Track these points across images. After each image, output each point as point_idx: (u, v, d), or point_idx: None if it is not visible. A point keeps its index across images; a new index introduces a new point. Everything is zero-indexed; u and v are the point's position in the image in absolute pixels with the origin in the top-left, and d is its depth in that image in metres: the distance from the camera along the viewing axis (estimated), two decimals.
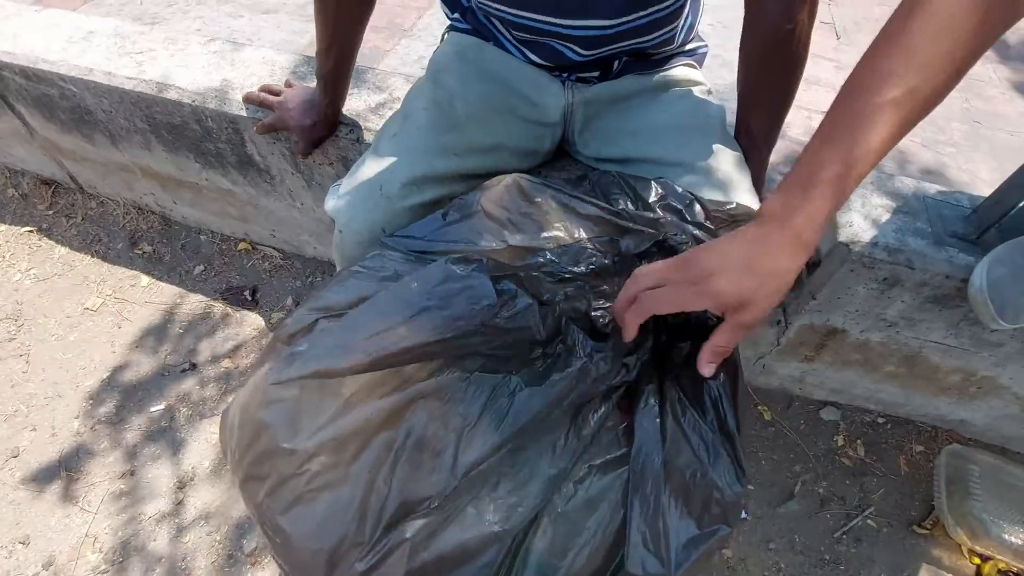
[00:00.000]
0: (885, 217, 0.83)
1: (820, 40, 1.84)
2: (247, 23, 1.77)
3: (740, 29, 0.63)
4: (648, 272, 0.44)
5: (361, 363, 0.44)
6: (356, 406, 0.45)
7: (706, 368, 0.44)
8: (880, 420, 1.14)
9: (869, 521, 1.02)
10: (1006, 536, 0.93)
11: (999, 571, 0.96)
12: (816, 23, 1.77)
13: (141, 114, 1.05)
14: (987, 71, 1.75)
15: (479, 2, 0.67)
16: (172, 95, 0.98)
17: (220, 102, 0.96)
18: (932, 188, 0.90)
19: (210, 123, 1.00)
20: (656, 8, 0.62)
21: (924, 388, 1.03)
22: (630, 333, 0.45)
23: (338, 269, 0.74)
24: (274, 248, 1.34)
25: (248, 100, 0.94)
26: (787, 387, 1.16)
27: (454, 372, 0.46)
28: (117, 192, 1.38)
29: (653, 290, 0.43)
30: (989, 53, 1.86)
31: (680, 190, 0.58)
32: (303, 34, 1.71)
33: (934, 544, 1.00)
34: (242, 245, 1.35)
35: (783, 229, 0.40)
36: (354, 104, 0.96)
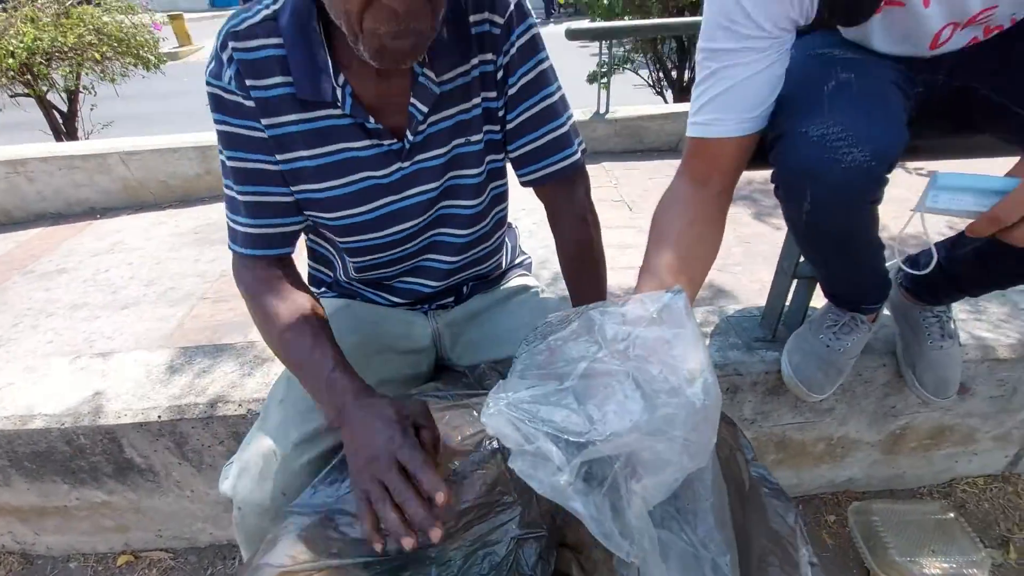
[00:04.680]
0: (707, 341, 1.05)
1: (618, 214, 2.34)
2: (106, 323, 1.78)
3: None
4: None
5: None
6: None
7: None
8: None
9: None
10: (925, 569, 1.02)
11: None
12: (612, 203, 2.25)
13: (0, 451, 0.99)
14: (738, 209, 2.33)
15: (343, 280, 0.82)
16: (37, 424, 0.95)
17: (94, 417, 0.95)
18: (731, 308, 1.15)
19: (82, 440, 0.97)
20: (479, 249, 0.81)
21: (805, 463, 1.18)
22: None
23: (241, 547, 0.72)
24: (162, 550, 1.21)
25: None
26: None
27: None
28: None
29: None
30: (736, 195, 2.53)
31: None
32: (168, 319, 1.75)
33: None
34: (123, 559, 1.19)
35: None
36: (238, 381, 1.01)
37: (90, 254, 2.35)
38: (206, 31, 14.04)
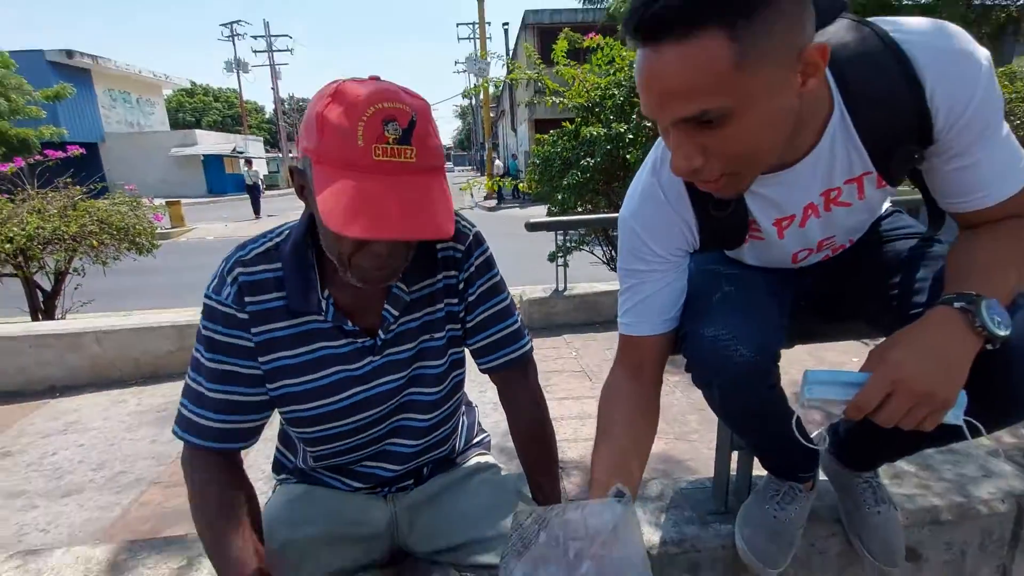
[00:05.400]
0: (663, 517, 1.07)
1: (580, 384, 2.45)
2: (43, 513, 1.67)
3: None
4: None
5: None
6: None
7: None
8: None
9: None
10: None
11: None
12: (573, 373, 2.39)
13: None
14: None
15: (305, 467, 0.86)
16: None
17: None
18: (683, 481, 1.20)
19: None
20: (440, 431, 0.88)
21: None
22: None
23: None
24: None
25: None
26: None
27: None
28: None
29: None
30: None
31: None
32: (112, 507, 1.66)
33: None
34: None
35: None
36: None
37: (40, 435, 2.26)
38: (200, 214, 15.20)
